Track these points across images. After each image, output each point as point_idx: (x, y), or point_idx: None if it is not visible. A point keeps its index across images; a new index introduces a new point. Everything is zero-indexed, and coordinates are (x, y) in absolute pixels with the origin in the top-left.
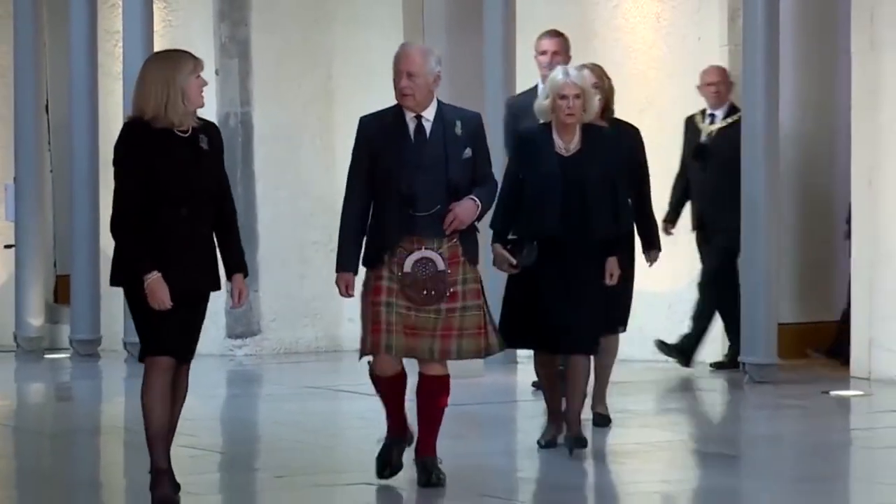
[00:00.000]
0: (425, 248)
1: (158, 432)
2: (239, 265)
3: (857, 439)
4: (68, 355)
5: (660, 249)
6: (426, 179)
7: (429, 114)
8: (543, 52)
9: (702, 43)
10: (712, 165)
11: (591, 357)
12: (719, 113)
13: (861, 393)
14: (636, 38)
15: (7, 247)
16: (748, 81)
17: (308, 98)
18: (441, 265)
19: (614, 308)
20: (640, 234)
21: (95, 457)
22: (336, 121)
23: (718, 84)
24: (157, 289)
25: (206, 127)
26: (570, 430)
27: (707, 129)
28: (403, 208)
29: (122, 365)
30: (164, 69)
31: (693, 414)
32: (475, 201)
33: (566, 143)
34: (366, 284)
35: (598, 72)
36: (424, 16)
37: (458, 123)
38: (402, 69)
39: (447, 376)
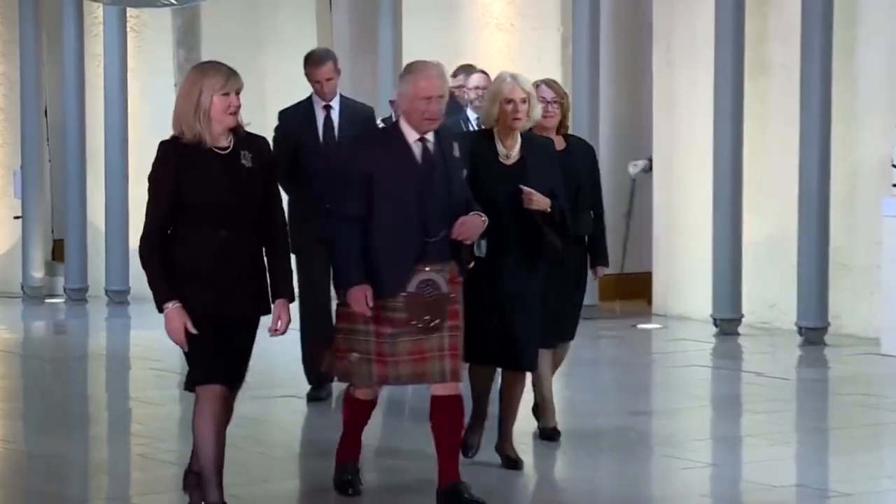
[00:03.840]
0: (429, 270)
1: (213, 465)
2: (283, 289)
3: (657, 360)
4: (63, 300)
5: (608, 266)
6: (435, 204)
7: (430, 136)
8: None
9: (541, 64)
10: None
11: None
12: None
13: (660, 326)
14: (495, 62)
15: (16, 217)
16: (576, 93)
17: (246, 106)
18: (444, 288)
19: (566, 320)
20: (592, 248)
21: (83, 377)
22: (268, 125)
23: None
24: (174, 319)
25: (252, 142)
26: (504, 448)
27: None
28: (417, 234)
29: (104, 308)
30: (194, 83)
31: None
32: (481, 216)
33: (508, 150)
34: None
35: (557, 88)
36: (333, 39)
37: (456, 145)
38: (429, 94)
39: (461, 396)
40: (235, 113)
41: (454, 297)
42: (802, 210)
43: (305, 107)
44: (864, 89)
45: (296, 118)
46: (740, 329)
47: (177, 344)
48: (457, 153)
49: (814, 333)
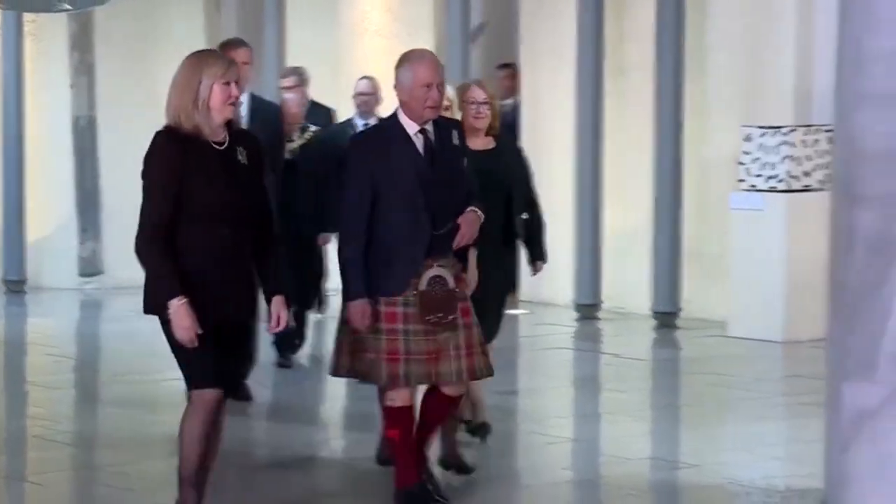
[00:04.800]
0: (437, 266)
1: (191, 473)
2: (280, 286)
3: (523, 343)
4: None
5: (546, 261)
6: (441, 195)
7: (429, 126)
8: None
9: None
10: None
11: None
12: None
13: (527, 311)
14: (374, 66)
15: None
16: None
17: (140, 102)
18: (451, 283)
19: (495, 321)
20: (531, 244)
21: None
22: (158, 117)
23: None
24: (183, 317)
25: (244, 138)
26: (453, 455)
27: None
28: (426, 228)
29: (1, 297)
30: (193, 72)
31: None
32: (477, 213)
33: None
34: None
35: (488, 88)
36: (221, 40)
37: (455, 133)
38: (429, 81)
39: (462, 395)
40: (235, 104)
41: (462, 293)
42: (657, 202)
43: None
44: (714, 90)
45: None
46: (599, 314)
47: (184, 343)
48: (456, 141)
49: (667, 317)
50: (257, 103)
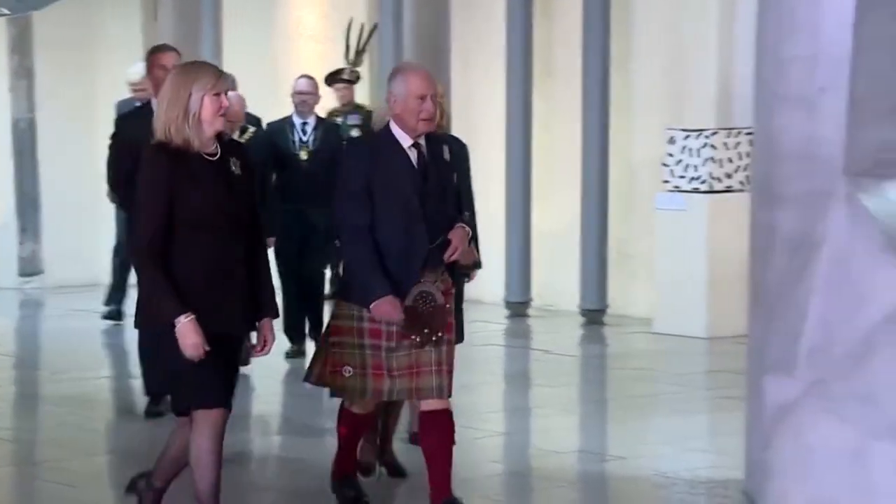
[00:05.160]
0: (423, 281)
1: (211, 490)
2: (269, 308)
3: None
4: None
5: (481, 266)
6: (433, 209)
7: (422, 140)
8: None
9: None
10: None
11: None
12: (310, 121)
13: None
14: (309, 71)
15: None
16: (383, 97)
17: (78, 105)
18: (440, 299)
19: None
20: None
21: None
22: (98, 126)
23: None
24: (191, 334)
25: (235, 148)
26: (388, 456)
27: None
28: (423, 241)
29: None
30: (181, 84)
31: None
32: (465, 228)
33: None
34: (347, 320)
35: (440, 89)
36: (158, 39)
37: (446, 148)
38: (423, 92)
39: (451, 410)
40: (225, 115)
41: (449, 309)
42: (584, 202)
43: (146, 113)
44: (639, 94)
45: (136, 123)
46: (529, 311)
47: (192, 359)
48: (447, 156)
49: (595, 314)
50: None
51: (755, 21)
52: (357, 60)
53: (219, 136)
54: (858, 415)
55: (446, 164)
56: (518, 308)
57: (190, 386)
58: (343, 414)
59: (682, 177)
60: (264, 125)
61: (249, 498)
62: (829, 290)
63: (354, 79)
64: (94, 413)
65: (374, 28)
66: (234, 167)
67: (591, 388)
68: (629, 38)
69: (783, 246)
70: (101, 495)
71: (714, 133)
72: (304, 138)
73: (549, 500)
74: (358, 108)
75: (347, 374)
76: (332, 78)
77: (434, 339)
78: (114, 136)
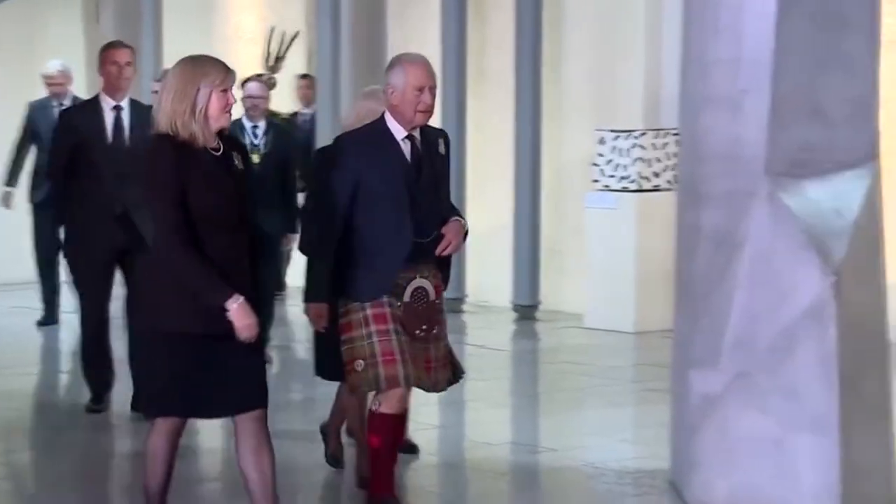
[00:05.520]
0: (419, 277)
1: (159, 486)
2: (262, 311)
3: None
4: None
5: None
6: (425, 203)
7: (416, 133)
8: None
9: (288, 74)
10: None
11: None
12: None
13: None
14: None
15: None
16: (321, 100)
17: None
18: (432, 295)
19: None
20: None
21: None
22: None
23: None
24: (246, 315)
25: (235, 143)
26: (332, 447)
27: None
28: (409, 233)
29: None
30: (189, 79)
31: None
32: (461, 222)
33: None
34: (353, 315)
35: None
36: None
37: (441, 141)
38: (421, 84)
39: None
40: (231, 111)
41: (440, 305)
42: (517, 200)
43: (92, 106)
44: (570, 95)
45: (80, 117)
46: (464, 307)
47: (250, 339)
48: (442, 150)
49: (526, 310)
50: (138, 108)
51: (681, 26)
52: (276, 66)
53: (220, 131)
54: (781, 407)
55: (441, 157)
56: (453, 304)
57: (160, 388)
58: (371, 420)
59: (611, 176)
60: None
61: (195, 490)
62: (752, 287)
63: (271, 85)
64: (28, 409)
65: (294, 35)
66: (237, 161)
67: (523, 382)
68: (560, 40)
69: (708, 243)
70: (37, 491)
71: (643, 134)
72: (256, 141)
73: (482, 490)
74: (273, 115)
75: (359, 368)
76: (248, 81)
77: (432, 333)
78: (56, 129)
